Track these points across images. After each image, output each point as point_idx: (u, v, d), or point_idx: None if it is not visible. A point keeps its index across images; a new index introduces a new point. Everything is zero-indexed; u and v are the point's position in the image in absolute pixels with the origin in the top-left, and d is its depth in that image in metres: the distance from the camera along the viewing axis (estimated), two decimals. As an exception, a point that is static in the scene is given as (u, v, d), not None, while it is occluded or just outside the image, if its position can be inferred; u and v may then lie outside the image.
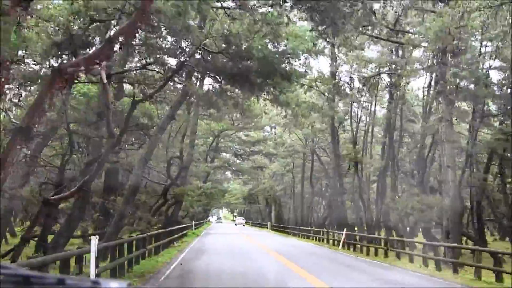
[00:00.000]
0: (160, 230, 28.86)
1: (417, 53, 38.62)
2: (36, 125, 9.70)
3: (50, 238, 20.99)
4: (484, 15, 25.84)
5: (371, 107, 50.05)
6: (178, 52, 16.92)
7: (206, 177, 60.39)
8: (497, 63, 35.05)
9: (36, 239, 19.81)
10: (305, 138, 62.26)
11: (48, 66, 16.34)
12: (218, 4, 16.96)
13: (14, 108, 21.74)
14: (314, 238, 46.02)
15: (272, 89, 20.27)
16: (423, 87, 43.58)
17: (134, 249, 20.12)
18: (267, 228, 77.68)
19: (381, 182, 45.09)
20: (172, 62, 19.70)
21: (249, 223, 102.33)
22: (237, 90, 21.39)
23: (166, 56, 18.20)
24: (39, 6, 16.16)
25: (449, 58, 29.37)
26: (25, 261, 12.84)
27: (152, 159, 35.37)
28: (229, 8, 15.05)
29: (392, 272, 20.86)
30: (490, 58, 34.79)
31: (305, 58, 22.14)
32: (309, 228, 54.30)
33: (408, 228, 39.76)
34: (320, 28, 15.99)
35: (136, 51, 19.97)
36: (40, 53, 14.93)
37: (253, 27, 14.50)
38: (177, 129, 38.59)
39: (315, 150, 60.92)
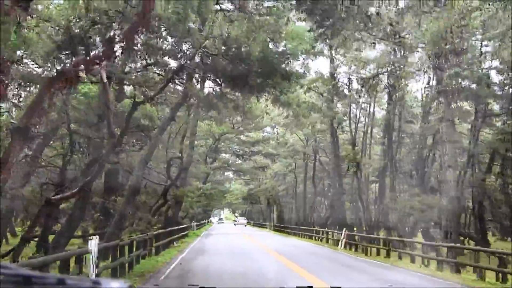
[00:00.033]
0: (160, 231, 28.89)
1: (415, 54, 38.60)
2: (35, 125, 9.70)
3: (51, 238, 21.03)
4: (485, 15, 25.87)
5: (369, 108, 50.03)
6: (178, 54, 16.93)
7: (205, 178, 60.36)
8: (497, 63, 35.00)
9: (36, 239, 19.81)
10: (306, 138, 62.22)
11: (48, 67, 16.36)
12: (218, 7, 16.98)
13: (13, 109, 21.76)
14: (315, 238, 46.00)
15: (272, 89, 20.28)
16: (422, 88, 43.60)
17: (134, 249, 20.14)
18: (268, 228, 77.60)
19: (380, 182, 45.08)
20: (172, 64, 19.77)
21: (250, 223, 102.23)
22: (237, 92, 21.40)
23: (167, 57, 18.20)
24: (40, 7, 16.18)
25: (449, 58, 29.35)
26: (26, 261, 12.88)
27: (152, 160, 35.37)
28: (228, 11, 15.05)
29: (393, 272, 20.84)
30: (491, 58, 34.78)
31: (304, 59, 22.15)
32: (310, 228, 54.24)
33: (408, 228, 39.74)
34: (318, 29, 16.00)
35: (137, 54, 19.97)
36: (41, 54, 14.92)
37: (252, 27, 14.50)
38: (177, 131, 38.59)
39: (317, 150, 60.88)
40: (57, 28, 15.52)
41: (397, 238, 30.91)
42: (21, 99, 19.76)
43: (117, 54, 17.06)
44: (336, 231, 41.97)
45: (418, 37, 25.57)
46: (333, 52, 39.75)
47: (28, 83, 17.60)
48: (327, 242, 40.18)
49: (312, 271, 18.70)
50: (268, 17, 14.44)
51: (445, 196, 30.10)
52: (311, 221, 65.68)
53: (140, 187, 26.94)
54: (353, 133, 48.38)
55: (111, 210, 27.14)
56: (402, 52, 38.34)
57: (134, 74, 23.25)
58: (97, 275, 12.99)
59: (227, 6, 15.60)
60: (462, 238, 31.82)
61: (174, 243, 33.77)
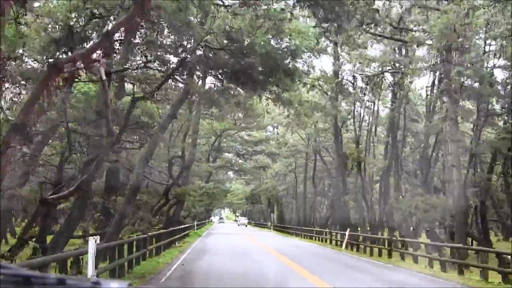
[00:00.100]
0: (161, 231, 28.63)
1: (420, 51, 38.32)
2: (32, 123, 9.43)
3: (49, 238, 20.79)
4: (489, 13, 25.59)
5: (374, 106, 49.76)
6: (179, 49, 16.66)
7: (208, 177, 60.14)
8: (501, 61, 34.74)
9: (33, 239, 19.57)
10: (307, 138, 61.97)
11: (46, 63, 16.10)
12: (220, 1, 16.70)
13: (14, 107, 21.50)
14: (316, 238, 45.75)
15: (274, 87, 20.03)
16: (427, 86, 43.29)
17: (134, 249, 19.91)
18: (269, 228, 77.41)
19: (384, 182, 44.83)
20: (173, 60, 19.52)
21: (251, 223, 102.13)
22: (239, 88, 21.14)
23: (167, 53, 17.93)
24: (36, 4, 15.96)
25: (454, 56, 29.10)
26: (25, 261, 12.66)
27: (154, 159, 35.13)
28: (230, 6, 14.77)
29: (396, 272, 20.61)
30: (494, 57, 34.51)
31: (308, 56, 21.89)
32: (312, 228, 54.01)
33: (412, 228, 39.46)
34: (323, 25, 15.70)
35: (136, 49, 19.73)
36: (38, 50, 14.67)
37: (255, 23, 14.23)
38: (179, 128, 38.36)
39: (317, 150, 60.62)
40: (54, 23, 15.26)
41: (401, 238, 30.63)
42: (18, 97, 19.51)
43: (116, 47, 16.83)
44: (338, 231, 41.72)
45: (426, 31, 25.25)
46: (338, 49, 39.48)
47: (25, 80, 17.37)
48: (330, 242, 39.90)
49: (315, 271, 18.47)
50: (272, 10, 14.18)
51: (448, 196, 29.83)
52: (312, 221, 65.49)
53: (141, 186, 26.69)
54: (357, 132, 48.18)
55: (112, 210, 26.90)
56: (406, 50, 38.10)
57: (134, 71, 23.01)
58: (96, 276, 12.76)
59: (229, 1, 15.35)
60: (468, 238, 31.44)
61: (176, 243, 33.52)
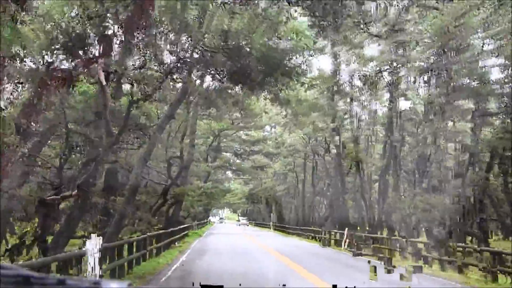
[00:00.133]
0: (161, 231, 28.62)
1: (418, 51, 38.25)
2: (32, 123, 9.42)
3: (50, 238, 20.75)
4: (486, 12, 25.60)
5: (371, 105, 49.67)
6: (177, 49, 16.65)
7: (206, 177, 60.10)
8: (499, 61, 34.68)
9: (32, 238, 19.55)
10: (308, 137, 61.90)
11: (43, 63, 16.07)
12: (219, 1, 16.68)
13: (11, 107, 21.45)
14: (317, 238, 45.77)
15: (272, 86, 20.04)
16: (424, 86, 43.22)
17: (134, 250, 19.90)
18: (269, 228, 77.38)
19: (382, 181, 44.76)
20: (171, 59, 19.45)
21: (252, 223, 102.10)
22: (237, 88, 21.14)
23: (166, 52, 17.90)
24: (34, 3, 15.92)
25: (450, 55, 29.10)
26: (26, 262, 12.59)
27: (152, 159, 35.09)
28: (228, 4, 14.74)
29: (396, 272, 20.58)
30: (491, 56, 34.47)
31: (305, 56, 21.83)
32: (312, 228, 54.04)
33: (412, 228, 39.43)
34: (320, 23, 15.71)
35: (135, 47, 19.70)
36: (36, 49, 14.64)
37: (253, 23, 14.22)
38: (177, 129, 38.35)
39: (316, 149, 60.57)
40: (52, 23, 15.23)
41: (400, 237, 30.65)
42: (16, 96, 19.46)
43: (115, 48, 16.81)
44: (337, 230, 41.73)
45: (423, 30, 25.25)
46: (335, 49, 39.44)
47: (25, 81, 17.32)
48: (329, 242, 39.91)
49: (315, 271, 18.50)
50: (269, 12, 14.16)
51: (447, 195, 29.84)
52: (311, 221, 65.47)
53: (139, 186, 26.68)
54: (354, 132, 48.12)
55: (111, 210, 26.87)
56: (404, 49, 38.08)
57: (132, 71, 22.97)
58: (101, 276, 12.77)
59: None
60: (467, 237, 31.45)
61: (176, 243, 33.51)
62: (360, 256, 28.11)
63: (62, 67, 18.45)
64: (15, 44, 14.69)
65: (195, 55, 17.61)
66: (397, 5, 27.75)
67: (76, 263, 13.23)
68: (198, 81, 30.04)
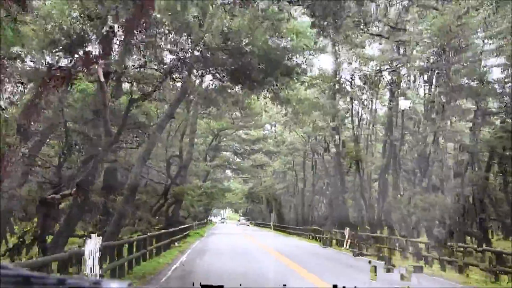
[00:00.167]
0: (161, 231, 28.57)
1: (418, 50, 38.22)
2: (32, 123, 9.40)
3: (49, 238, 20.69)
4: (485, 12, 25.57)
5: (372, 105, 49.70)
6: (177, 48, 16.60)
7: (206, 176, 60.02)
8: (499, 60, 34.65)
9: (32, 238, 19.51)
10: (307, 136, 61.82)
11: (44, 64, 16.03)
12: (218, 2, 16.60)
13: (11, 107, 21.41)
14: (317, 238, 45.72)
15: (272, 86, 20.00)
16: (424, 85, 43.21)
17: (134, 250, 19.84)
18: (270, 228, 77.28)
19: (382, 180, 44.74)
20: (171, 59, 19.39)
21: (252, 223, 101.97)
22: (237, 87, 21.09)
23: (166, 51, 17.84)
24: (35, 3, 15.89)
25: (451, 55, 29.07)
26: (26, 261, 12.54)
27: (152, 158, 35.03)
28: (229, 4, 14.68)
29: (395, 272, 20.53)
30: (491, 56, 34.43)
31: (305, 56, 21.77)
32: (312, 228, 53.97)
33: (412, 227, 39.40)
34: (321, 22, 15.65)
35: (135, 49, 19.65)
36: (36, 48, 14.59)
37: (253, 23, 14.18)
38: (177, 128, 38.31)
39: (315, 148, 60.50)
40: (53, 23, 15.19)
41: (400, 237, 30.62)
42: (16, 96, 19.42)
43: (115, 48, 16.77)
44: (337, 230, 41.67)
45: (425, 30, 25.21)
46: (336, 48, 39.42)
47: (24, 81, 17.28)
48: (330, 242, 39.85)
49: (315, 272, 18.46)
50: (270, 11, 14.12)
51: (447, 194, 29.79)
52: (311, 220, 65.40)
53: (139, 185, 26.62)
54: (355, 131, 48.10)
55: (111, 210, 26.83)
56: (404, 49, 38.05)
57: (132, 70, 22.91)
58: (101, 276, 12.73)
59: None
60: (468, 237, 31.41)
61: (176, 243, 33.43)
62: (361, 256, 28.01)
63: (62, 65, 18.47)
64: (16, 45, 14.66)
65: (195, 54, 17.55)
66: (398, 5, 27.78)
67: (76, 262, 13.15)
68: (198, 81, 30.08)
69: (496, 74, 35.38)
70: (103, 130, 17.83)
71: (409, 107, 46.69)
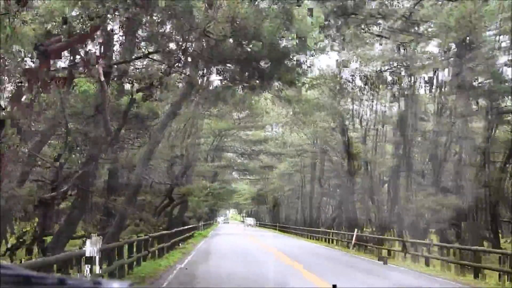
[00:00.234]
0: (164, 232, 27.86)
1: (431, 48, 37.45)
2: (33, 123, 8.73)
3: (48, 239, 20.10)
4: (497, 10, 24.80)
5: (381, 105, 48.98)
6: (181, 37, 15.83)
7: (214, 176, 59.40)
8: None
9: (32, 238, 18.91)
10: (314, 137, 61.22)
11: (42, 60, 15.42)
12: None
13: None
14: (324, 239, 45.05)
15: (280, 81, 19.30)
16: (436, 85, 42.42)
17: (135, 251, 19.22)
18: (275, 229, 76.70)
19: (393, 181, 43.89)
20: (176, 52, 18.73)
21: (257, 224, 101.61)
22: (241, 85, 20.35)
23: (169, 42, 17.07)
24: (35, 3, 15.39)
25: (467, 51, 28.26)
26: (26, 262, 12.90)
27: (157, 158, 34.37)
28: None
29: (407, 275, 19.88)
30: (506, 53, 33.62)
31: (313, 55, 20.99)
32: (319, 229, 53.32)
33: (422, 229, 38.61)
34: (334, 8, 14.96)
35: (138, 40, 19.03)
36: (32, 42, 13.92)
37: (261, 13, 13.42)
38: (180, 128, 37.64)
39: (324, 149, 59.85)
40: (53, 22, 14.56)
41: (413, 239, 29.87)
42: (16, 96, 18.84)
43: (116, 43, 16.07)
44: (344, 232, 41.03)
45: (441, 25, 24.38)
46: (341, 47, 38.57)
47: (22, 80, 16.68)
48: (337, 243, 39.12)
49: (323, 275, 17.74)
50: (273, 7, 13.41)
51: (460, 196, 29.01)
52: (318, 222, 64.77)
53: (141, 186, 25.98)
54: (363, 130, 47.42)
55: (113, 211, 26.21)
56: (416, 45, 37.25)
57: (134, 69, 22.35)
58: (101, 276, 12.33)
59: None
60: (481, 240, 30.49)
61: (180, 244, 32.76)
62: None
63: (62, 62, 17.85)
64: (15, 44, 14.11)
65: (200, 45, 16.85)
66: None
67: (76, 263, 12.92)
68: (203, 77, 29.35)
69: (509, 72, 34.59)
70: (103, 130, 17.24)
71: (420, 106, 45.90)
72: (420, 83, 43.68)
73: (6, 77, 18.46)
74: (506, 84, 31.56)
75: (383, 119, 48.14)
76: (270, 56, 15.42)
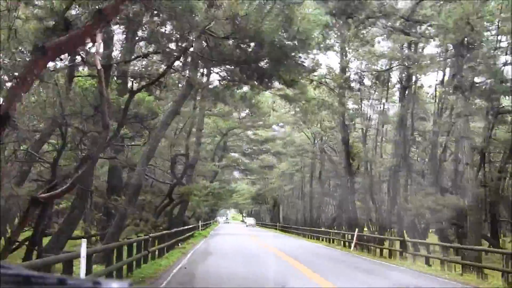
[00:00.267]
0: (164, 232, 27.76)
1: (429, 48, 37.46)
2: (16, 111, 8.63)
3: (46, 240, 19.97)
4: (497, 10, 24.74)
5: (382, 105, 48.96)
6: (181, 36, 15.75)
7: (214, 176, 59.32)
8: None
9: (26, 242, 18.73)
10: (313, 137, 61.21)
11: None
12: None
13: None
14: (324, 239, 44.95)
15: (281, 80, 19.18)
16: (436, 85, 42.42)
17: (134, 251, 19.12)
18: (276, 228, 76.61)
19: (392, 181, 43.84)
20: (176, 52, 18.67)
21: (258, 224, 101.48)
22: (244, 82, 20.26)
23: (169, 43, 17.01)
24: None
25: (466, 51, 28.18)
26: (26, 262, 12.68)
27: (158, 158, 34.29)
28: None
29: (408, 275, 19.79)
30: (506, 54, 33.57)
31: (317, 49, 20.93)
32: (319, 229, 53.22)
33: (420, 229, 38.58)
34: (333, 9, 14.90)
35: (138, 39, 19.00)
36: (31, 39, 13.87)
37: (263, 8, 13.33)
38: (183, 126, 37.60)
39: (324, 149, 59.81)
40: (49, 13, 14.48)
41: (413, 239, 29.82)
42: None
43: (117, 45, 15.97)
44: (345, 231, 40.94)
45: (439, 25, 24.33)
46: (345, 45, 38.50)
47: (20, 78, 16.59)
48: (338, 243, 39.01)
49: (324, 275, 17.65)
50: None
51: (461, 195, 28.96)
52: (319, 222, 64.68)
53: (142, 185, 25.88)
54: (364, 130, 47.34)
55: (113, 210, 26.12)
56: (415, 45, 37.20)
57: (136, 67, 22.31)
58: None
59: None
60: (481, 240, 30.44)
61: (180, 244, 32.66)
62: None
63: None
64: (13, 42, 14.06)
65: (201, 45, 16.80)
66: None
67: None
68: (204, 75, 29.29)
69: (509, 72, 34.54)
70: (102, 127, 17.11)
71: (420, 106, 45.85)
72: (421, 82, 43.80)
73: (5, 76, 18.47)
74: (508, 84, 31.54)
75: (384, 119, 48.13)
76: (270, 56, 15.35)
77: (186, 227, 39.63)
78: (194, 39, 15.39)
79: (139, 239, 20.63)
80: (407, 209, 35.45)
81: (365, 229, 49.55)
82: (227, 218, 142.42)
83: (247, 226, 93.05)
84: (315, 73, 31.47)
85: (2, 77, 16.75)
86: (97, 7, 9.83)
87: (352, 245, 33.93)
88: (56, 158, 18.75)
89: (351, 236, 35.69)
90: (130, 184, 23.98)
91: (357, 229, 35.59)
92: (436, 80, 43.67)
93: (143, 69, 23.29)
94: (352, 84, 40.57)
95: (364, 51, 37.21)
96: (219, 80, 23.16)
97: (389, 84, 44.70)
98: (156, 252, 23.48)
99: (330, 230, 48.03)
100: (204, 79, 28.72)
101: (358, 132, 51.46)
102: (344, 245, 36.87)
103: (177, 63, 19.14)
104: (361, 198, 49.19)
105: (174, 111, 23.97)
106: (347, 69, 41.26)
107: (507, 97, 35.86)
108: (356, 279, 18.07)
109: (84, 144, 20.96)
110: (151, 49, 19.84)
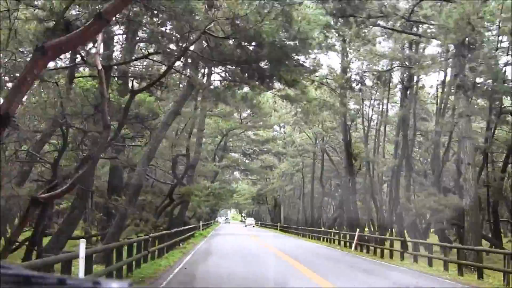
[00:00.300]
0: (164, 232, 27.74)
1: (430, 49, 37.46)
2: (15, 111, 8.61)
3: (46, 240, 19.97)
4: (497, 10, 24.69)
5: (382, 105, 48.98)
6: (181, 37, 15.73)
7: (214, 177, 59.30)
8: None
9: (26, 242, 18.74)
10: (315, 137, 61.18)
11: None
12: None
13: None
14: (325, 239, 44.89)
15: (282, 81, 19.13)
16: (437, 85, 42.41)
17: (134, 251, 19.09)
18: (276, 229, 76.54)
19: (393, 181, 43.85)
20: (176, 52, 18.66)
21: (257, 224, 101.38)
22: (245, 83, 20.24)
23: (170, 43, 17.00)
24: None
25: (467, 51, 28.14)
26: (26, 262, 12.66)
27: (158, 158, 34.24)
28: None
29: (410, 276, 19.74)
30: (507, 54, 33.57)
31: (318, 49, 20.91)
32: (320, 229, 53.17)
33: (421, 229, 38.53)
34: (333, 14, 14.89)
35: (138, 39, 18.99)
36: (31, 40, 13.88)
37: (262, 9, 13.30)
38: (184, 127, 37.53)
39: (325, 149, 59.77)
40: (48, 13, 14.47)
41: (414, 240, 29.75)
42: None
43: (115, 39, 15.96)
44: (345, 232, 40.90)
45: (439, 25, 24.27)
46: (346, 45, 38.49)
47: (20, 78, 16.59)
48: (338, 243, 38.94)
49: (324, 275, 17.62)
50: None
51: (461, 195, 28.89)
52: (319, 222, 64.65)
53: (143, 185, 25.85)
54: (365, 131, 47.33)
55: (113, 210, 26.11)
56: (417, 45, 37.18)
57: (137, 68, 22.31)
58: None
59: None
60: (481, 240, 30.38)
61: (180, 244, 32.65)
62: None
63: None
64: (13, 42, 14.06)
65: (201, 46, 16.79)
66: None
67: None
68: (205, 76, 29.27)
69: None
70: (102, 126, 17.10)
71: (421, 107, 45.84)
72: (422, 83, 43.76)
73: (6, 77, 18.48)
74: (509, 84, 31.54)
75: (385, 119, 48.12)
76: (271, 56, 15.33)
77: (186, 227, 39.60)
78: (194, 39, 15.36)
79: (139, 239, 20.60)
80: (408, 209, 35.43)
81: (366, 229, 49.60)
82: (227, 218, 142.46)
83: (245, 226, 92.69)
84: (316, 74, 31.39)
85: (2, 77, 16.77)
86: (97, 7, 9.80)
87: (353, 245, 33.88)
88: (57, 158, 18.75)
89: (352, 236, 35.64)
90: (130, 184, 23.95)
91: (358, 229, 35.55)
92: (438, 80, 43.70)
93: (144, 70, 23.33)
94: (354, 85, 40.56)
95: (366, 51, 37.23)
96: (220, 81, 23.20)
97: (391, 84, 44.69)
98: (156, 252, 23.45)
99: (331, 230, 47.97)
100: (205, 79, 28.75)
101: (360, 132, 51.45)
102: (345, 245, 36.81)
103: (178, 63, 19.14)
104: (362, 198, 49.17)
105: (175, 112, 23.95)
106: (348, 70, 41.28)
107: (508, 98, 35.83)
108: (356, 279, 18.05)
109: (85, 145, 20.95)
110: (151, 50, 19.87)
